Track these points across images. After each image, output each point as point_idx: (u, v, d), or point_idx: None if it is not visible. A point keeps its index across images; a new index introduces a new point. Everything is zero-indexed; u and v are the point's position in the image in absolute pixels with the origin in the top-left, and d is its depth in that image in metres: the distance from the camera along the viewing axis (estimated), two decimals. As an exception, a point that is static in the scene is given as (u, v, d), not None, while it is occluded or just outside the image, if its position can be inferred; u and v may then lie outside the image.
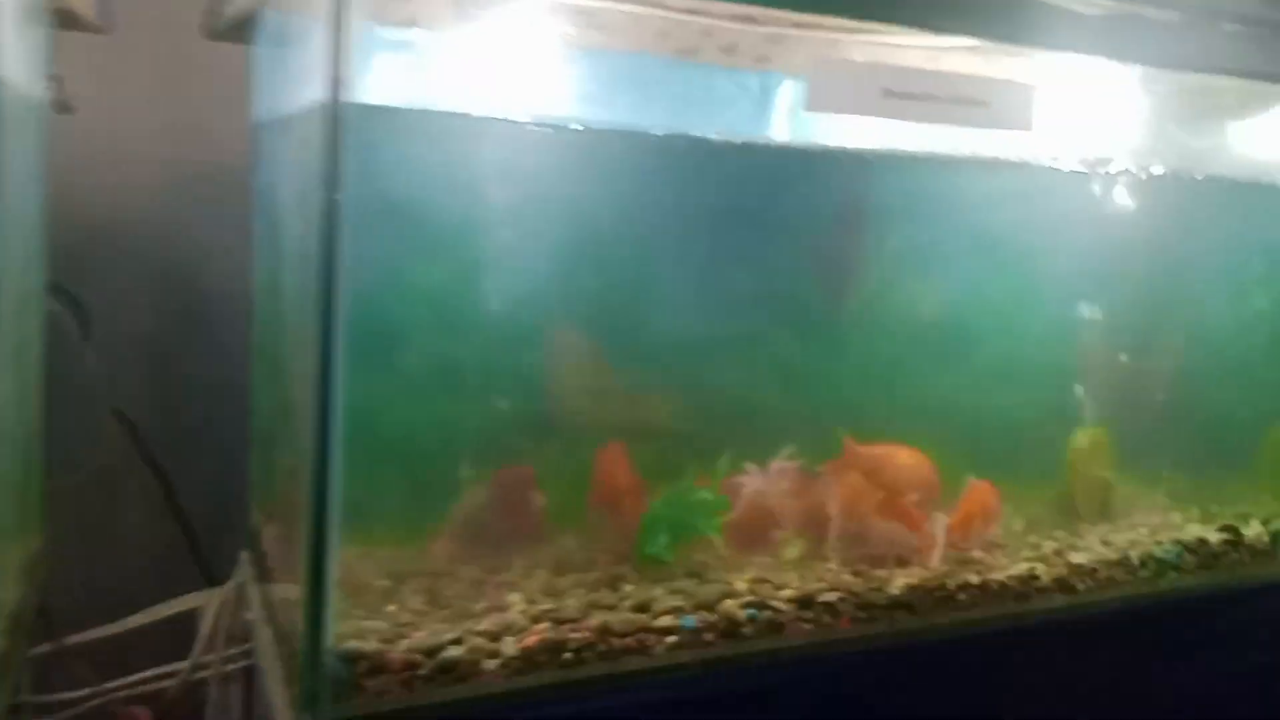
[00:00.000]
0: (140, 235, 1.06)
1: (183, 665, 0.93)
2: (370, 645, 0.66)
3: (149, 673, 0.93)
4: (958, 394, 0.94)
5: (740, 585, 0.79)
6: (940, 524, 0.83)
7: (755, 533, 0.85)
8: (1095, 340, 0.98)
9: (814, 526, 0.86)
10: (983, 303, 0.95)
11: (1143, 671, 0.87)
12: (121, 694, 0.94)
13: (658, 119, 0.85)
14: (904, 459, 0.88)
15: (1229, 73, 0.84)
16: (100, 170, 1.00)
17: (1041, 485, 0.98)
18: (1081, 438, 0.97)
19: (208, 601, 0.94)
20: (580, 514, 0.84)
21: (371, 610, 0.71)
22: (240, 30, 0.83)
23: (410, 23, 0.79)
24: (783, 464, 0.87)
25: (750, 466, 0.86)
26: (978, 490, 0.87)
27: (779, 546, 0.86)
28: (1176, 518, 0.98)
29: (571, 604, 0.74)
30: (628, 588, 0.77)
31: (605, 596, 0.76)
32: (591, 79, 0.83)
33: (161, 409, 1.08)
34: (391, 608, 0.72)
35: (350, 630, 0.67)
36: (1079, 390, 0.99)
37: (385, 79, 0.71)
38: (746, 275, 0.86)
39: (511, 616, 0.72)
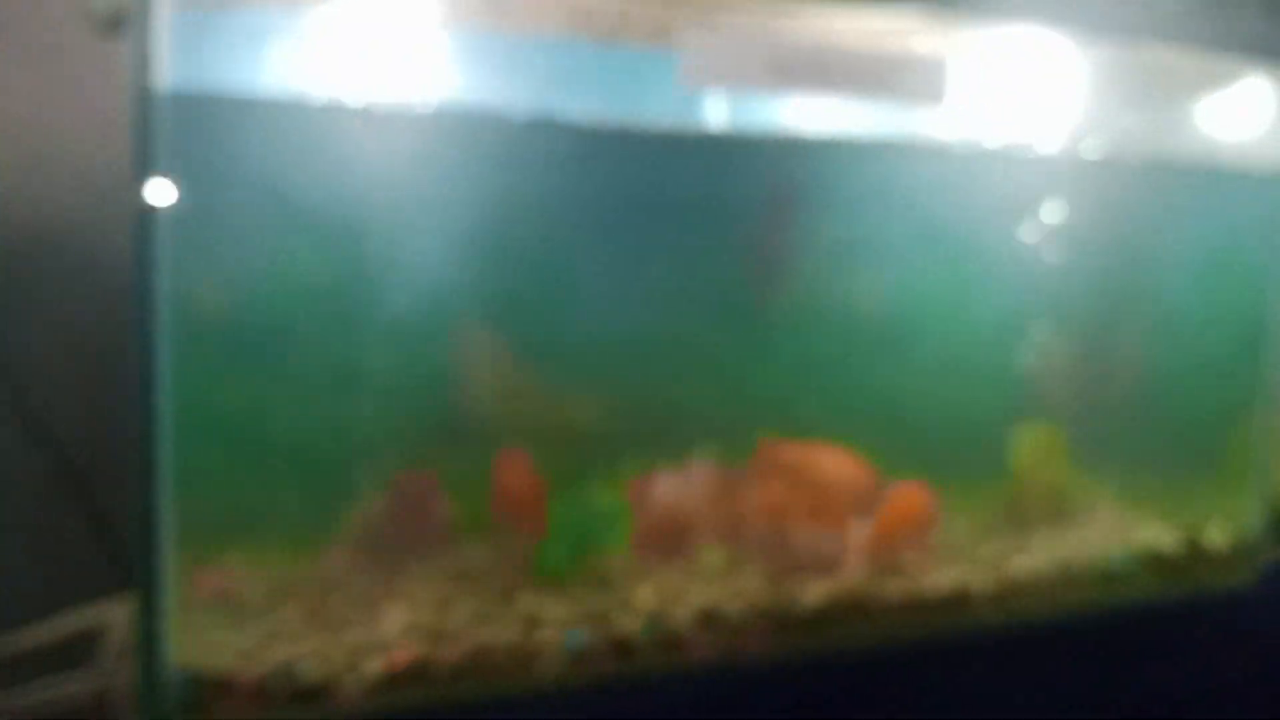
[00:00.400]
0: (63, 238, 1.04)
1: (87, 678, 0.89)
2: (220, 664, 0.62)
3: (49, 686, 0.90)
4: (897, 391, 0.89)
5: (643, 598, 0.74)
6: (859, 532, 0.78)
7: (668, 540, 0.81)
8: (1048, 333, 0.93)
9: (733, 533, 0.81)
10: (923, 295, 0.90)
11: (1089, 690, 0.81)
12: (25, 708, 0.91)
13: (566, 103, 0.80)
14: (830, 460, 0.83)
15: (1169, 41, 0.79)
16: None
17: (989, 487, 0.92)
18: (1029, 436, 0.91)
19: (113, 612, 0.91)
20: (484, 523, 0.80)
21: (237, 626, 0.68)
22: (118, 25, 0.79)
23: (293, 6, 0.75)
24: (698, 466, 0.82)
25: (666, 469, 0.81)
26: (905, 494, 0.81)
27: (694, 555, 0.81)
28: (1133, 523, 0.91)
29: (454, 619, 0.70)
30: (521, 602, 0.73)
31: (494, 611, 0.72)
32: (497, 64, 0.79)
33: (92, 414, 1.06)
34: (264, 622, 0.68)
35: (203, 646, 0.63)
36: (1030, 386, 0.93)
37: (262, 65, 0.67)
38: (649, 268, 0.81)
39: (386, 633, 0.68)
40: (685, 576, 0.78)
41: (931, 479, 0.87)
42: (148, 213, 0.55)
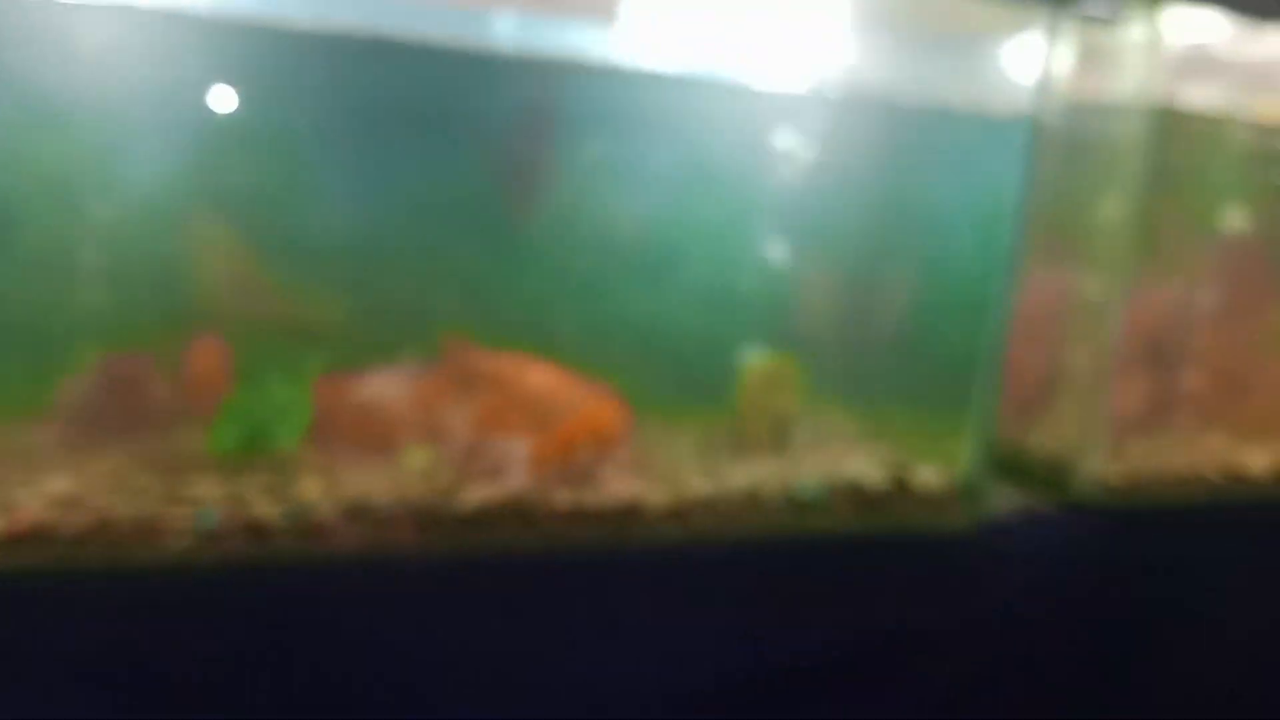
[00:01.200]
0: None
1: None
2: None
3: None
4: (633, 312, 0.90)
5: (305, 489, 0.77)
6: (517, 446, 0.80)
7: (356, 436, 0.83)
8: (789, 266, 0.92)
9: (429, 436, 0.84)
10: (668, 222, 0.90)
11: (761, 614, 0.83)
12: None
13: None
14: (528, 372, 0.85)
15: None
16: None
17: (715, 410, 0.93)
18: (760, 364, 0.91)
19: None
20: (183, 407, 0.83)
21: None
22: None
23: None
24: (399, 368, 0.84)
25: (366, 369, 0.84)
26: (592, 410, 0.83)
27: (392, 453, 0.83)
28: (847, 456, 0.92)
29: (102, 491, 0.73)
30: (183, 483, 0.76)
31: (151, 487, 0.75)
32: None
33: None
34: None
35: None
36: (767, 316, 0.93)
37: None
38: (386, 174, 0.83)
39: (24, 496, 0.72)
40: (362, 472, 0.80)
41: (651, 398, 0.88)
42: None
